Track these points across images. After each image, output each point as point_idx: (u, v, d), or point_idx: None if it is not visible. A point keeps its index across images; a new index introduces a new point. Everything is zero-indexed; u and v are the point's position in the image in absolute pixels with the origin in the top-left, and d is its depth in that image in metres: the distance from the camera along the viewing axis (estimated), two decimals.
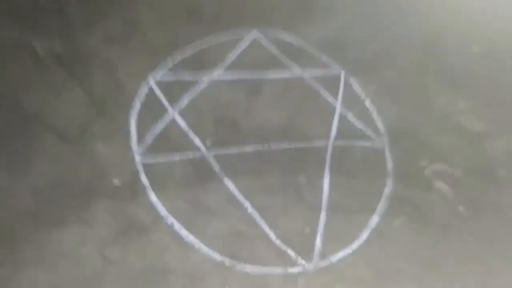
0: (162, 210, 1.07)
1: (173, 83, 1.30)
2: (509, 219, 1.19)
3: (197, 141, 1.20)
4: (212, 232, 1.05)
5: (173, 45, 1.37)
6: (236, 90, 1.33)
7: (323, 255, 1.06)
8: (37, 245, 0.98)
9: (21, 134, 1.13)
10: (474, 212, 1.19)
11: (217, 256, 1.02)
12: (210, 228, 1.06)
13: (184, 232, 1.04)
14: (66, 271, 0.95)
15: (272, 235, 1.07)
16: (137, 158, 1.15)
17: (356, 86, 1.39)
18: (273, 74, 1.38)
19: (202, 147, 1.19)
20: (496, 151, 1.32)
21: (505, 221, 1.17)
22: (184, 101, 1.28)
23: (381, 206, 1.17)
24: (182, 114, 1.25)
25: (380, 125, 1.32)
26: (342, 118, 1.32)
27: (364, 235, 1.11)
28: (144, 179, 1.12)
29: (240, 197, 1.12)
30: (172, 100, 1.27)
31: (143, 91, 1.27)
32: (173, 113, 1.24)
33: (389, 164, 1.25)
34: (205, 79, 1.33)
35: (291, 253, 1.05)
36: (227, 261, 1.02)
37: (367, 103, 1.36)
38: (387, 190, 1.20)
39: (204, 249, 1.03)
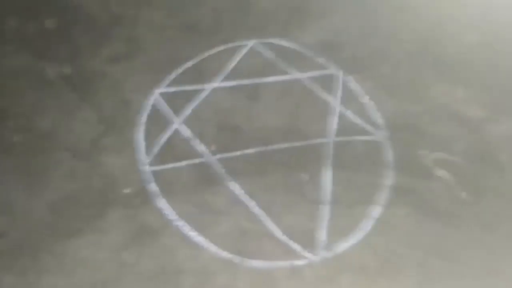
0: (171, 214, 1.13)
1: (176, 95, 1.37)
2: None
3: (201, 147, 1.26)
4: (220, 232, 1.10)
5: (175, 60, 1.45)
6: (236, 96, 1.38)
7: (328, 247, 1.10)
8: (56, 254, 1.04)
9: (37, 153, 1.22)
10: (476, 198, 1.21)
11: (225, 254, 1.07)
12: (218, 228, 1.11)
13: (193, 234, 1.10)
14: (84, 276, 1.01)
15: (278, 231, 1.11)
16: (146, 168, 1.21)
17: (354, 84, 1.43)
18: (272, 79, 1.43)
19: (207, 153, 1.25)
20: (497, 137, 1.33)
21: (508, 205, 1.18)
22: (188, 110, 1.34)
23: (383, 197, 1.19)
24: (186, 123, 1.31)
25: (379, 120, 1.35)
26: (341, 115, 1.35)
27: (368, 225, 1.14)
28: (153, 186, 1.18)
29: (245, 197, 1.17)
30: (176, 110, 1.33)
31: (148, 105, 1.34)
32: (177, 123, 1.31)
33: (390, 156, 1.28)
34: (207, 88, 1.39)
35: (296, 247, 1.09)
36: (235, 258, 1.06)
37: (365, 99, 1.40)
38: (389, 181, 1.22)
39: (213, 248, 1.07)
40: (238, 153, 1.25)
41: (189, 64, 1.43)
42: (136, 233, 1.09)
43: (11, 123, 1.26)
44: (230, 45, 1.48)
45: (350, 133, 1.31)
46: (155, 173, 1.20)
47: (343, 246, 1.11)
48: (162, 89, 1.38)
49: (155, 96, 1.36)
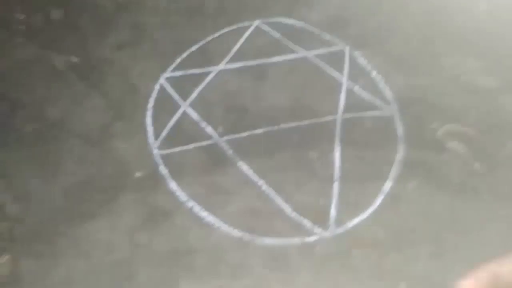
0: (182, 195, 1.14)
1: (183, 79, 1.38)
2: None
3: (209, 129, 1.26)
4: (230, 212, 1.11)
5: (180, 44, 1.45)
6: (242, 77, 1.38)
7: (339, 223, 1.10)
8: (72, 238, 1.07)
9: (49, 141, 1.24)
10: (490, 168, 1.19)
11: (236, 233, 1.08)
12: (228, 208, 1.12)
13: (204, 214, 1.11)
14: (99, 258, 1.04)
15: (288, 209, 1.12)
16: (155, 151, 1.23)
17: (361, 60, 1.41)
18: (278, 58, 1.42)
19: (215, 134, 1.25)
20: (509, 106, 1.30)
21: None
22: (195, 94, 1.34)
23: (394, 171, 1.18)
24: (194, 106, 1.32)
25: (388, 94, 1.33)
26: (349, 91, 1.34)
27: (378, 200, 1.13)
28: (163, 169, 1.19)
29: (254, 177, 1.17)
30: (183, 94, 1.34)
31: (156, 91, 1.35)
32: (185, 106, 1.31)
33: (400, 131, 1.26)
34: (213, 71, 1.39)
35: (307, 223, 1.09)
36: (246, 237, 1.07)
37: (374, 74, 1.38)
38: (399, 156, 1.21)
39: (224, 227, 1.09)
40: (246, 133, 1.26)
41: (194, 47, 1.43)
42: (148, 215, 1.11)
43: (23, 113, 1.28)
44: (235, 26, 1.48)
45: (359, 109, 1.30)
46: (164, 157, 1.21)
47: (354, 221, 1.10)
48: (168, 73, 1.38)
49: (162, 81, 1.36)
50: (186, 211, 1.12)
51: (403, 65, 1.38)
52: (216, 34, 1.47)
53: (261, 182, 1.16)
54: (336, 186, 1.15)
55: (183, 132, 1.27)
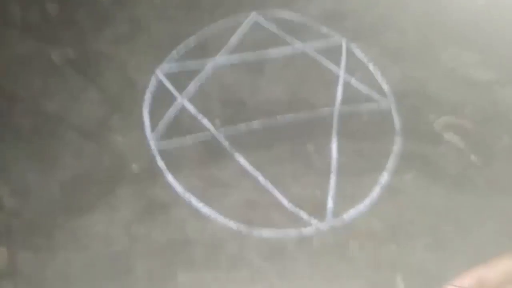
0: (179, 188, 1.14)
1: (180, 73, 1.37)
2: None
3: (206, 122, 1.26)
4: (228, 204, 1.11)
5: (177, 38, 1.44)
6: (240, 71, 1.38)
7: (336, 215, 1.10)
8: (69, 231, 1.07)
9: (46, 135, 1.24)
10: (487, 160, 1.19)
11: (233, 225, 1.08)
12: (225, 200, 1.12)
13: (201, 206, 1.11)
14: (97, 251, 1.04)
15: (285, 201, 1.12)
16: (152, 145, 1.23)
17: (358, 52, 1.41)
18: (275, 51, 1.42)
19: (212, 128, 1.25)
20: (507, 99, 1.30)
21: None
22: (192, 88, 1.34)
23: (391, 163, 1.19)
24: (191, 100, 1.31)
25: (385, 86, 1.33)
26: (346, 84, 1.34)
27: (375, 192, 1.14)
28: (160, 162, 1.19)
29: (251, 169, 1.17)
30: (181, 88, 1.34)
31: (152, 84, 1.35)
32: (182, 100, 1.31)
33: (397, 123, 1.26)
34: (210, 65, 1.39)
35: (304, 215, 1.09)
36: (244, 228, 1.07)
37: (371, 67, 1.38)
38: (396, 148, 1.21)
39: (221, 219, 1.09)
40: (243, 126, 1.26)
41: (191, 40, 1.43)
42: (145, 208, 1.12)
43: (19, 107, 1.28)
44: (231, 19, 1.47)
45: (355, 102, 1.30)
46: (161, 150, 1.21)
47: (351, 213, 1.11)
48: (165, 67, 1.38)
49: (159, 74, 1.36)
50: (184, 203, 1.12)
51: (400, 58, 1.38)
52: (213, 27, 1.46)
53: (258, 175, 1.17)
54: (333, 178, 1.16)
55: (180, 125, 1.27)
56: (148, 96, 1.32)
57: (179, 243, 1.07)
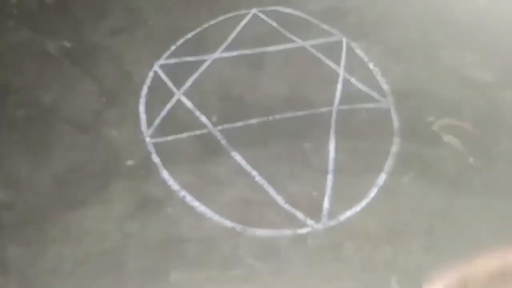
0: (174, 185, 1.13)
1: (178, 67, 1.35)
2: None
3: (203, 118, 1.25)
4: (223, 202, 1.10)
5: (175, 31, 1.42)
6: (238, 66, 1.36)
7: (332, 215, 1.09)
8: (61, 225, 1.06)
9: (40, 127, 1.22)
10: (485, 163, 1.18)
11: (228, 223, 1.07)
12: (220, 198, 1.10)
13: (196, 204, 1.10)
14: (89, 246, 1.03)
15: (281, 200, 1.11)
16: (148, 139, 1.21)
17: (359, 51, 1.39)
18: (275, 47, 1.40)
19: (209, 124, 1.24)
20: (507, 101, 1.29)
21: None
22: (189, 82, 1.32)
23: (389, 164, 1.17)
24: (188, 94, 1.30)
25: (385, 86, 1.32)
26: (346, 82, 1.32)
27: (372, 193, 1.12)
28: (155, 158, 1.18)
29: (247, 167, 1.16)
30: (178, 82, 1.32)
31: (149, 77, 1.33)
32: (179, 95, 1.30)
33: (396, 123, 1.25)
34: (208, 59, 1.37)
35: (299, 215, 1.08)
36: (238, 227, 1.06)
37: (371, 66, 1.36)
38: (394, 148, 1.20)
39: (216, 217, 1.08)
40: (240, 123, 1.24)
41: (189, 35, 1.41)
42: (139, 204, 1.10)
43: (14, 97, 1.26)
44: (231, 14, 1.45)
45: (354, 101, 1.29)
46: (157, 145, 1.20)
47: (347, 214, 1.10)
48: (163, 60, 1.36)
49: (156, 68, 1.34)
50: (178, 200, 1.10)
51: (401, 57, 1.37)
52: (212, 22, 1.44)
53: (254, 173, 1.15)
54: (330, 178, 1.14)
55: (177, 121, 1.25)
56: (145, 90, 1.30)
57: (172, 241, 1.06)
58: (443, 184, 1.16)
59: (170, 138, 1.21)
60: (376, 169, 1.17)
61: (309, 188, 1.13)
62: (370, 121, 1.26)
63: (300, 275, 1.02)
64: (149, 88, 1.31)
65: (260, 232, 1.07)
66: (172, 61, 1.36)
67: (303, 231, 1.07)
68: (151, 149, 1.19)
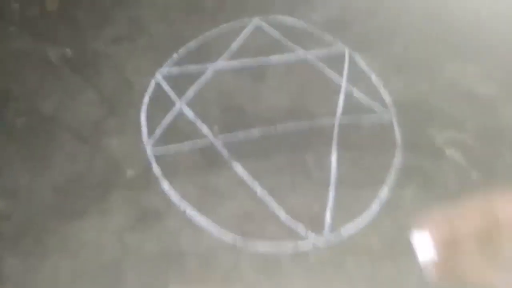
0: (174, 196, 1.12)
1: (180, 76, 1.35)
2: None
3: (204, 129, 1.24)
4: (223, 214, 1.09)
5: (178, 40, 1.42)
6: (240, 77, 1.35)
7: (333, 229, 1.08)
8: (60, 236, 1.04)
9: (39, 136, 1.21)
10: (487, 178, 1.17)
11: (228, 236, 1.05)
12: (221, 210, 1.09)
13: (196, 216, 1.08)
14: (87, 259, 1.01)
15: (282, 213, 1.10)
16: (149, 150, 1.20)
17: (361, 62, 1.39)
18: (277, 58, 1.39)
19: (210, 135, 1.23)
20: (509, 114, 1.28)
21: None
22: (191, 92, 1.32)
23: (391, 177, 1.16)
24: (190, 105, 1.29)
25: (387, 98, 1.31)
26: (348, 94, 1.32)
27: (374, 207, 1.11)
28: (156, 168, 1.17)
29: (249, 179, 1.15)
30: (180, 92, 1.31)
31: (151, 86, 1.32)
32: (180, 105, 1.29)
33: (398, 136, 1.24)
34: (210, 68, 1.36)
35: (301, 229, 1.07)
36: (239, 240, 1.05)
37: (373, 77, 1.35)
38: (396, 161, 1.19)
39: (216, 230, 1.06)
40: (242, 134, 1.23)
41: (192, 44, 1.40)
42: (139, 215, 1.09)
43: (14, 105, 1.25)
44: (233, 23, 1.45)
45: (356, 113, 1.28)
46: (158, 155, 1.19)
47: (349, 228, 1.09)
48: (164, 70, 1.35)
49: (158, 77, 1.33)
50: (178, 212, 1.09)
51: (403, 69, 1.36)
52: (214, 31, 1.44)
53: (255, 184, 1.14)
54: (331, 191, 1.14)
55: (178, 131, 1.24)
56: (146, 99, 1.29)
57: (172, 254, 1.05)
58: (446, 199, 1.15)
59: (171, 148, 1.20)
60: (379, 182, 1.16)
61: (311, 200, 1.12)
62: (372, 133, 1.25)
63: None
64: (151, 97, 1.30)
65: (261, 245, 1.06)
66: (173, 70, 1.36)
67: (304, 245, 1.06)
68: (152, 159, 1.18)
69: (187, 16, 1.47)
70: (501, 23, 1.45)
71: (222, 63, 1.38)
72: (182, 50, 1.39)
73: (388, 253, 1.05)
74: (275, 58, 1.39)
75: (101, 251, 1.03)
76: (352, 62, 1.39)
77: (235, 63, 1.38)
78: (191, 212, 1.10)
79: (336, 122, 1.26)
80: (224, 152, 1.20)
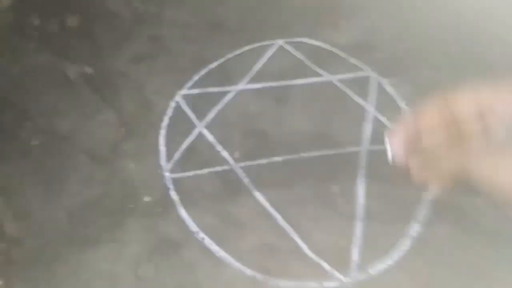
0: (192, 225, 1.06)
1: (200, 97, 1.31)
2: None
3: (225, 154, 1.19)
4: (243, 247, 1.03)
5: (199, 61, 1.38)
6: (263, 100, 1.31)
7: (361, 268, 1.01)
8: (72, 265, 0.99)
9: (55, 156, 1.17)
10: None
11: (248, 271, 0.99)
12: (241, 242, 1.03)
13: (215, 248, 1.03)
14: None
15: (306, 248, 1.03)
16: (167, 174, 1.15)
17: (389, 88, 1.33)
18: (301, 81, 1.35)
19: (231, 160, 1.17)
20: None
21: None
22: (211, 114, 1.27)
23: (422, 212, 1.10)
24: (210, 127, 1.24)
25: None
26: (375, 121, 1.26)
27: (405, 244, 1.04)
28: (174, 195, 1.11)
29: (271, 209, 1.09)
30: (200, 114, 1.27)
31: (171, 108, 1.28)
32: (200, 127, 1.24)
33: None
34: (232, 90, 1.32)
35: (326, 266, 1.00)
36: (259, 276, 0.99)
37: (402, 104, 1.30)
38: (429, 196, 1.13)
39: (235, 264, 1.00)
40: (264, 161, 1.18)
41: (213, 65, 1.37)
42: (155, 245, 1.03)
43: (30, 124, 1.22)
44: (256, 45, 1.41)
45: (385, 142, 1.21)
46: (176, 181, 1.14)
47: (378, 267, 1.02)
48: (185, 91, 1.31)
49: (178, 99, 1.29)
50: (196, 243, 1.04)
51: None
52: (237, 52, 1.40)
53: (277, 216, 1.08)
54: (358, 226, 1.07)
55: (197, 155, 1.19)
56: (165, 121, 1.25)
57: (188, 287, 0.99)
58: (481, 237, 1.08)
59: (189, 174, 1.15)
60: (409, 218, 1.09)
61: (337, 236, 1.06)
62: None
63: None
64: (170, 119, 1.26)
65: (283, 283, 0.99)
66: (194, 91, 1.31)
67: (330, 285, 0.99)
68: (170, 185, 1.13)
69: (209, 36, 1.44)
70: None
71: (244, 85, 1.33)
72: (203, 71, 1.35)
73: None
74: (298, 82, 1.35)
75: (115, 283, 0.97)
76: (380, 87, 1.33)
77: (258, 86, 1.34)
78: (210, 244, 1.04)
79: (364, 151, 1.20)
80: (245, 180, 1.14)
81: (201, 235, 1.05)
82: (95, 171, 1.14)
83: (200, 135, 1.23)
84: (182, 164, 1.17)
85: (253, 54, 1.39)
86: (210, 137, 1.22)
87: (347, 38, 1.43)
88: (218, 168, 1.17)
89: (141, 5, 1.49)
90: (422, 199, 1.12)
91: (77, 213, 1.08)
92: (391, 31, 1.43)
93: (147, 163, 1.17)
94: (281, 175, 1.16)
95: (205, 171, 1.16)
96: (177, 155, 1.19)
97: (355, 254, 1.03)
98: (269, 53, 1.40)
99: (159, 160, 1.18)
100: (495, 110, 0.35)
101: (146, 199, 1.11)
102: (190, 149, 1.20)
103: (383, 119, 1.26)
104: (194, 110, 1.27)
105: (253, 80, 1.34)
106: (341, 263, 1.02)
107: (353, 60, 1.39)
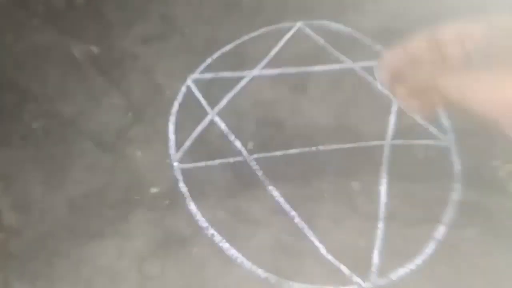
0: (201, 220, 1.00)
1: (212, 82, 1.22)
2: None
3: (238, 144, 1.11)
4: (256, 245, 0.96)
5: (212, 43, 1.30)
6: (279, 87, 1.22)
7: (382, 272, 0.94)
8: (73, 260, 0.94)
9: (57, 141, 1.10)
10: None
11: (261, 272, 0.93)
12: (253, 240, 0.97)
13: (225, 245, 0.96)
14: (101, 287, 0.90)
15: (323, 249, 0.96)
16: (176, 164, 1.08)
17: None
18: (321, 68, 1.26)
19: (244, 151, 1.10)
20: None
21: None
22: (224, 101, 1.19)
23: (448, 214, 1.02)
24: (222, 115, 1.16)
25: (445, 121, 1.16)
26: (400, 113, 1.17)
27: (429, 248, 0.97)
28: (182, 187, 1.05)
29: (286, 206, 1.02)
30: (212, 100, 1.19)
31: (181, 93, 1.20)
32: (212, 115, 1.16)
33: (457, 166, 1.09)
34: (246, 76, 1.23)
35: (344, 269, 0.93)
36: (273, 278, 0.92)
37: None
38: (455, 196, 1.05)
39: (247, 264, 0.94)
40: (279, 153, 1.10)
41: (228, 47, 1.28)
42: (162, 240, 0.97)
43: (32, 106, 1.15)
44: (274, 27, 1.32)
45: (410, 136, 1.13)
46: (185, 172, 1.07)
47: (400, 272, 0.94)
48: (197, 75, 1.23)
49: (189, 83, 1.21)
50: (205, 239, 0.97)
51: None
52: (253, 34, 1.31)
53: (293, 213, 1.01)
54: (380, 227, 0.99)
55: (208, 145, 1.12)
56: (175, 107, 1.18)
57: (195, 286, 0.93)
58: (510, 241, 1.00)
59: (200, 164, 1.08)
60: (434, 220, 1.01)
61: (356, 237, 0.98)
62: (427, 160, 1.10)
63: None
64: (180, 105, 1.18)
65: (297, 286, 0.92)
66: (207, 75, 1.23)
67: None
68: (179, 176, 1.06)
69: (224, 17, 1.35)
70: None
71: (259, 71, 1.25)
72: (217, 54, 1.27)
73: None
74: (318, 68, 1.26)
75: (118, 281, 0.91)
76: None
77: (274, 71, 1.25)
78: (220, 241, 0.97)
79: (386, 146, 1.12)
80: (259, 173, 1.07)
81: (211, 231, 0.99)
82: (100, 159, 1.08)
83: (212, 123, 1.15)
84: (192, 154, 1.10)
85: (270, 37, 1.30)
86: (222, 125, 1.14)
87: (372, 22, 1.33)
88: (230, 160, 1.09)
89: None
90: (448, 200, 1.04)
91: (79, 203, 1.01)
92: (420, 15, 1.33)
93: (155, 152, 1.10)
94: (297, 169, 1.08)
95: (216, 162, 1.09)
96: (187, 144, 1.11)
97: (375, 257, 0.96)
98: (287, 36, 1.31)
99: (168, 148, 1.11)
100: (474, 35, 0.38)
101: (153, 190, 1.04)
102: (201, 138, 1.13)
103: (408, 112, 1.17)
104: (206, 96, 1.19)
105: (269, 65, 1.26)
106: (361, 267, 0.95)
107: (376, 47, 1.29)
